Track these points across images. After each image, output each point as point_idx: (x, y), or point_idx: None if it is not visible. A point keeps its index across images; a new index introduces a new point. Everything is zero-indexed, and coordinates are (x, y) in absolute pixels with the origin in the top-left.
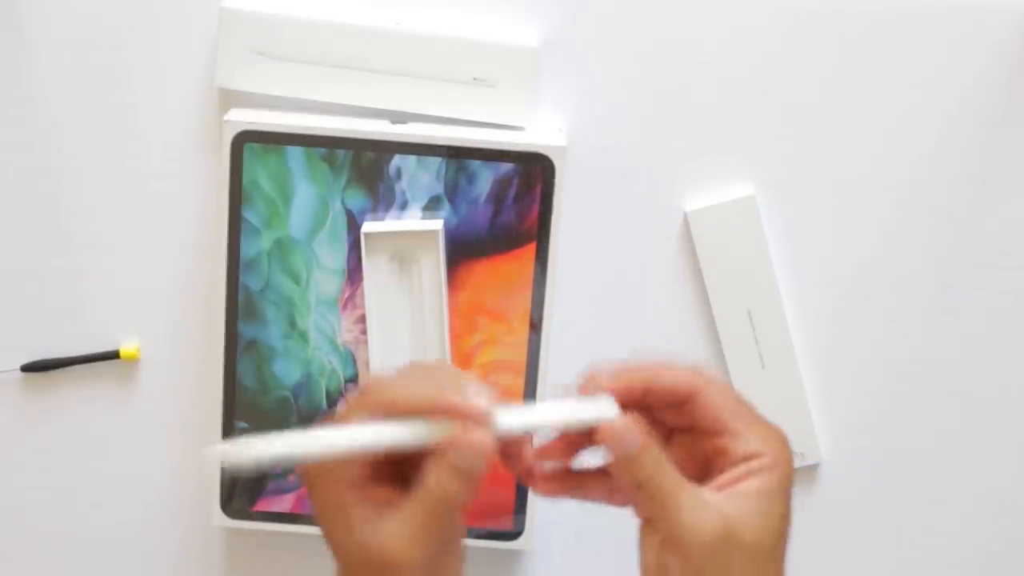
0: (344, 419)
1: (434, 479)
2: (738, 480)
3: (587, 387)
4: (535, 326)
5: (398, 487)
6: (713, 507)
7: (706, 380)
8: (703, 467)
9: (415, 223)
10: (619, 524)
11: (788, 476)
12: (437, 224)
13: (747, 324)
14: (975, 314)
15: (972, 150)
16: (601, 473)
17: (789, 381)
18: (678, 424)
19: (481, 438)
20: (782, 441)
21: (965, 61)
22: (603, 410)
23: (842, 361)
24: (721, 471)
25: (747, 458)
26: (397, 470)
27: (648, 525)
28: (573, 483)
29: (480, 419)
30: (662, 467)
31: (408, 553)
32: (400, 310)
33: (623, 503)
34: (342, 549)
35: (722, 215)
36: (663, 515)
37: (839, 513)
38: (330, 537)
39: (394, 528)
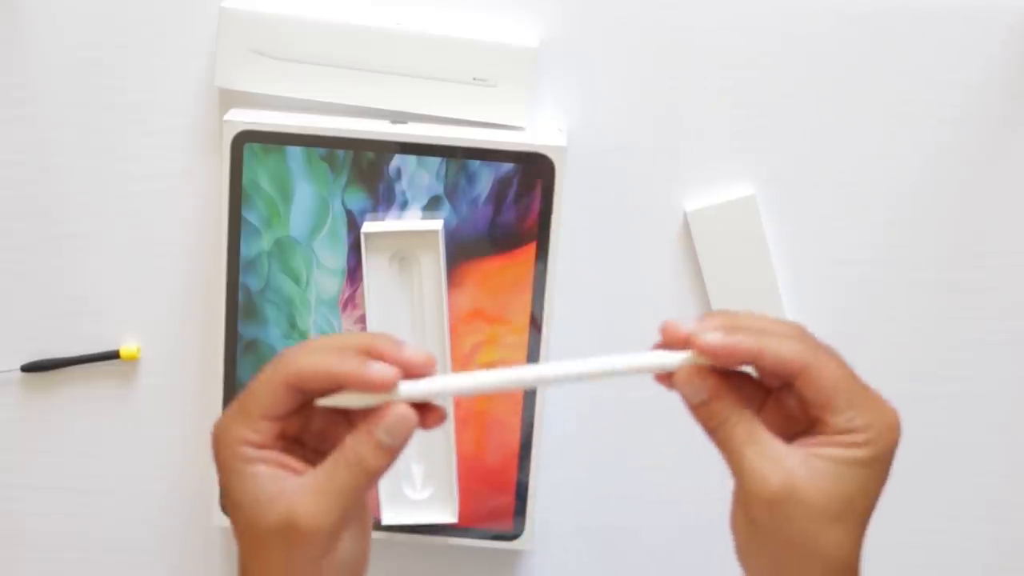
0: (255, 389)
1: (353, 448)
2: (822, 445)
3: (674, 335)
4: (535, 326)
5: (299, 457)
6: (782, 463)
7: (815, 356)
8: (799, 426)
9: (415, 223)
10: (619, 524)
11: (881, 454)
12: (437, 224)
13: None
14: (975, 314)
15: (973, 150)
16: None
17: None
18: (779, 385)
19: (405, 413)
20: (887, 422)
21: (966, 61)
22: (671, 358)
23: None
24: (813, 436)
25: (843, 432)
26: (298, 442)
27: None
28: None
29: (378, 388)
30: (735, 416)
31: (317, 519)
32: (400, 310)
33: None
34: (246, 514)
35: (722, 215)
36: (731, 463)
37: None
38: (235, 501)
39: (304, 493)
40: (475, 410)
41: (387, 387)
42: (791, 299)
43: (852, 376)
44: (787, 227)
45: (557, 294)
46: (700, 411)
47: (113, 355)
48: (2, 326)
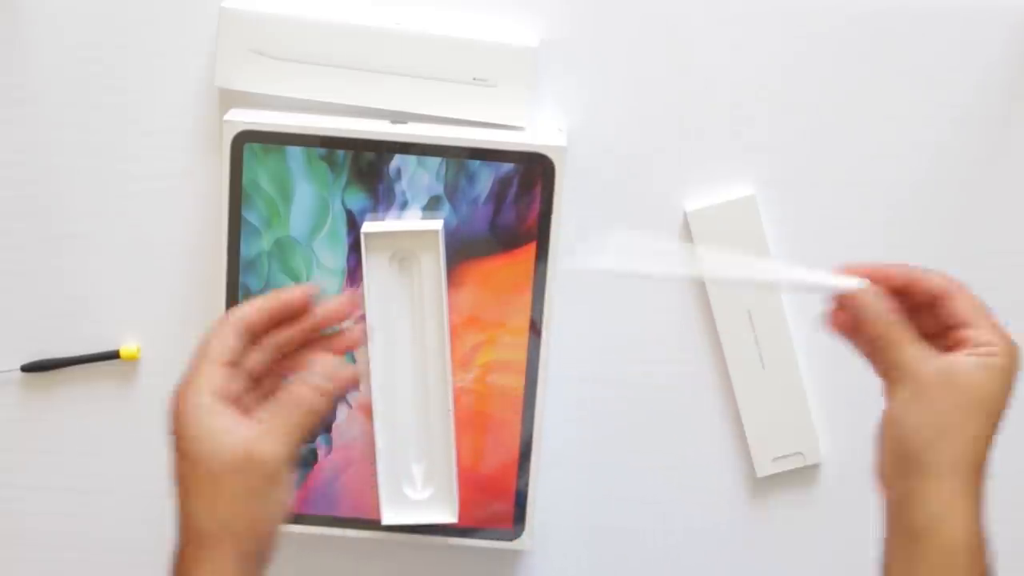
0: (209, 340)
1: (298, 391)
2: (968, 354)
3: (849, 271)
4: (535, 326)
5: (252, 399)
6: (939, 357)
7: (958, 286)
8: (937, 347)
9: (415, 223)
10: (618, 525)
11: (1011, 366)
12: (437, 224)
13: (747, 324)
14: None
15: (973, 150)
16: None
17: (789, 381)
18: (924, 318)
19: (345, 367)
20: (1013, 344)
21: (967, 61)
22: (851, 282)
23: (842, 361)
24: (955, 349)
25: (983, 344)
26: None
27: (888, 387)
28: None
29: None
30: (897, 326)
31: (271, 452)
32: (400, 310)
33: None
34: (206, 447)
35: (722, 215)
36: (896, 359)
37: (839, 513)
38: (195, 436)
39: (260, 429)
40: (475, 411)
41: (303, 303)
42: (791, 299)
43: (985, 307)
44: (787, 227)
45: (557, 294)
46: (871, 324)
47: (113, 355)
48: (2, 326)
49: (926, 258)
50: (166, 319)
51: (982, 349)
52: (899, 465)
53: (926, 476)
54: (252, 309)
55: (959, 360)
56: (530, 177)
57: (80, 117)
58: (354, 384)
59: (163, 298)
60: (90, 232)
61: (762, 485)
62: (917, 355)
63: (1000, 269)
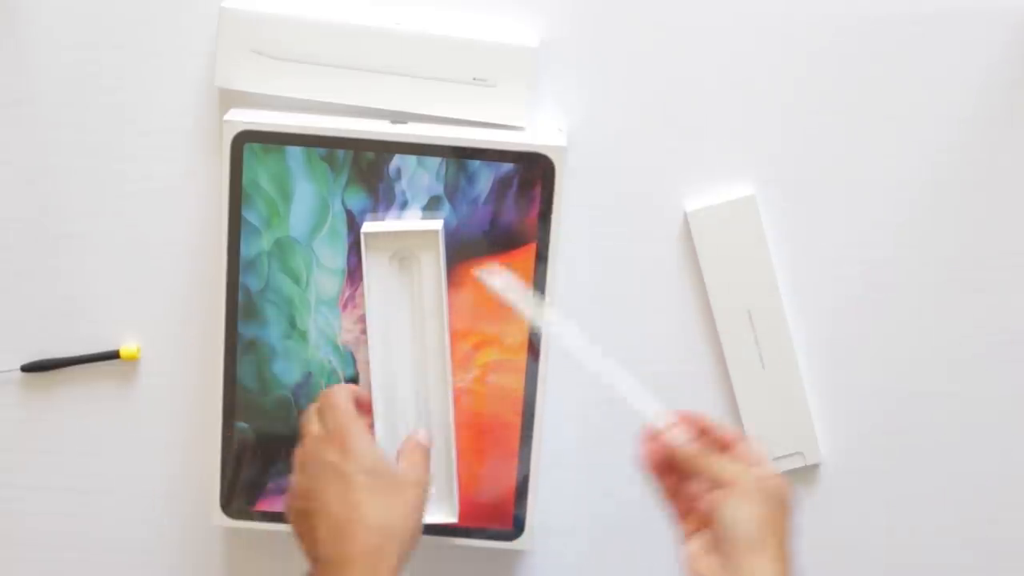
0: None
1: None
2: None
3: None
4: (535, 325)
5: None
6: (749, 468)
7: (743, 435)
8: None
9: (415, 223)
10: (618, 525)
11: (788, 492)
12: (437, 224)
13: (747, 324)
14: (976, 314)
15: (974, 150)
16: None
17: (789, 381)
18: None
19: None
20: (784, 478)
21: (968, 61)
22: (664, 417)
23: (842, 361)
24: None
25: (767, 477)
26: None
27: (693, 531)
28: (666, 470)
29: None
30: (708, 450)
31: (419, 475)
32: (400, 310)
33: (681, 509)
34: (365, 458)
35: (722, 215)
36: (716, 472)
37: (839, 513)
38: (353, 448)
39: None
40: (475, 411)
41: None
42: (791, 299)
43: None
44: (787, 227)
45: (557, 294)
46: (686, 451)
47: (113, 355)
48: (2, 326)
49: (927, 258)
50: (166, 319)
51: (769, 476)
52: (731, 549)
53: (755, 552)
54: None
55: (763, 471)
56: (530, 177)
57: (80, 117)
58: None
59: (163, 298)
60: (90, 232)
61: None
62: (731, 467)
63: (1001, 269)
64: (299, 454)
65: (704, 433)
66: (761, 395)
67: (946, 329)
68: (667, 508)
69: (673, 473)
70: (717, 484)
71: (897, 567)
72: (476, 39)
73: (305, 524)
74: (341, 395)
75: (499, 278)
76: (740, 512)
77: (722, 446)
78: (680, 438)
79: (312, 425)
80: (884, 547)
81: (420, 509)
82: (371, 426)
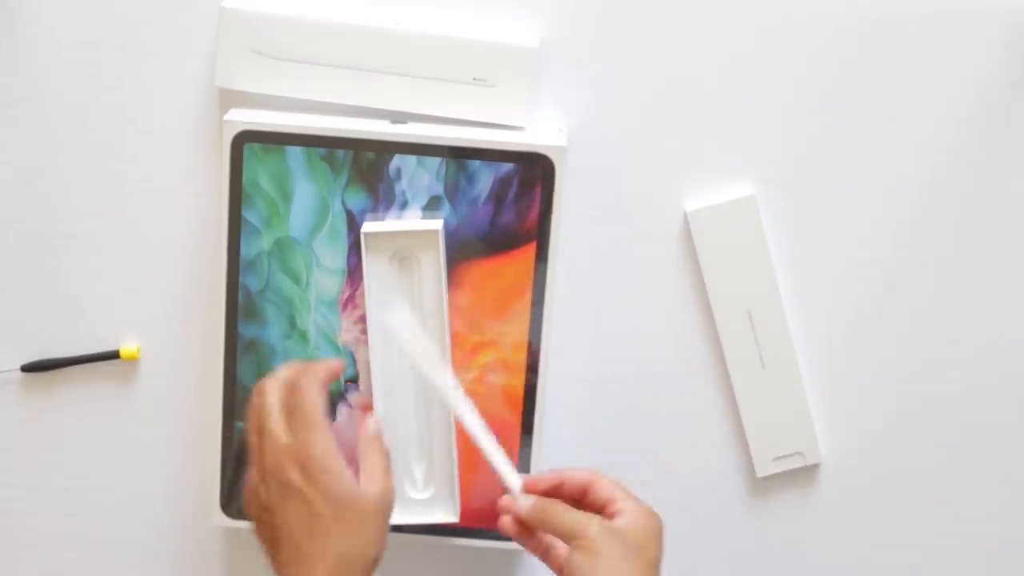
0: (309, 399)
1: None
2: (614, 519)
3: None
4: (535, 326)
5: None
6: (600, 519)
7: (597, 474)
8: None
9: (415, 223)
10: None
11: (654, 524)
12: (437, 224)
13: (747, 324)
14: (975, 314)
15: (974, 150)
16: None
17: (789, 381)
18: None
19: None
20: (650, 509)
21: (967, 61)
22: (513, 479)
23: (842, 361)
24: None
25: (623, 511)
26: None
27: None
28: (526, 535)
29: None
30: (554, 505)
31: (381, 493)
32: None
33: (555, 566)
34: (330, 483)
35: (722, 215)
36: (562, 528)
37: (839, 513)
38: (317, 469)
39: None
40: (476, 410)
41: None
42: (791, 299)
43: (621, 484)
44: (787, 227)
45: (557, 294)
46: (532, 510)
47: (113, 355)
48: (2, 326)
49: (927, 258)
50: (166, 319)
51: (625, 513)
52: None
53: None
54: (327, 373)
55: (617, 521)
56: (530, 177)
57: (80, 117)
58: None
59: (163, 298)
60: (90, 232)
61: (762, 485)
62: (577, 519)
63: (1001, 269)
64: (260, 457)
65: (556, 488)
66: (761, 395)
67: (946, 329)
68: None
69: (534, 534)
70: (567, 539)
71: (897, 567)
72: (476, 39)
73: (266, 538)
74: (311, 393)
75: (397, 315)
76: (584, 570)
77: (575, 495)
78: (525, 503)
79: (275, 423)
80: (884, 547)
81: (383, 534)
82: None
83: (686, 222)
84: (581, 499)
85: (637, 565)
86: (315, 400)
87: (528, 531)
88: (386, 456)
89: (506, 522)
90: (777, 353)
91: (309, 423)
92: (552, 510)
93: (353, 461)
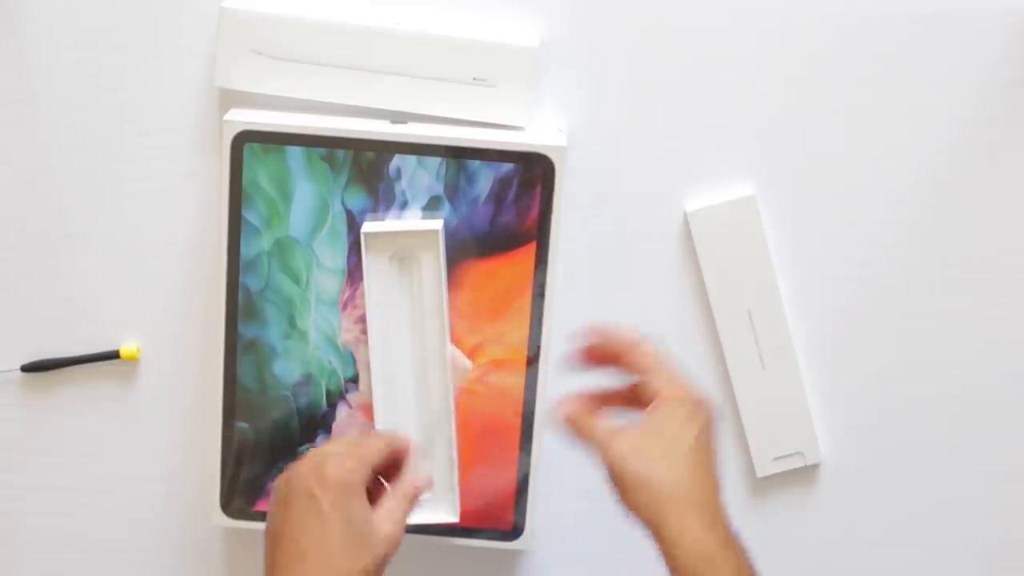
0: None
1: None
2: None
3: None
4: (535, 326)
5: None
6: (619, 433)
7: (636, 339)
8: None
9: (415, 223)
10: (619, 525)
11: (684, 410)
12: (437, 224)
13: (747, 324)
14: (976, 314)
15: (974, 150)
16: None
17: (789, 381)
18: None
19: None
20: (688, 390)
21: (967, 61)
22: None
23: (842, 361)
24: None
25: (651, 397)
26: None
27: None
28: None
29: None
30: (584, 419)
31: (392, 539)
32: (400, 310)
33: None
34: (352, 516)
35: (722, 215)
36: (589, 442)
37: (839, 513)
38: (353, 509)
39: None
40: (475, 411)
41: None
42: (791, 299)
43: (660, 355)
44: (787, 227)
45: (557, 294)
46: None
47: (113, 355)
48: (2, 326)
49: (927, 258)
50: (166, 319)
51: (654, 403)
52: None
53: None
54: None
55: (645, 417)
56: (530, 177)
57: (80, 117)
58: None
59: (163, 298)
60: (90, 232)
61: (762, 485)
62: (604, 433)
63: (1000, 269)
64: (304, 459)
65: (600, 356)
66: (761, 395)
67: (946, 329)
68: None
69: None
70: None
71: (897, 567)
72: (476, 39)
73: (272, 532)
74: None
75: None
76: (622, 473)
77: (613, 357)
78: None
79: (331, 445)
80: (884, 547)
81: (377, 573)
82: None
83: (686, 222)
84: (619, 360)
85: (671, 460)
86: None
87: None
88: (410, 511)
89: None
90: (777, 353)
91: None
92: (579, 423)
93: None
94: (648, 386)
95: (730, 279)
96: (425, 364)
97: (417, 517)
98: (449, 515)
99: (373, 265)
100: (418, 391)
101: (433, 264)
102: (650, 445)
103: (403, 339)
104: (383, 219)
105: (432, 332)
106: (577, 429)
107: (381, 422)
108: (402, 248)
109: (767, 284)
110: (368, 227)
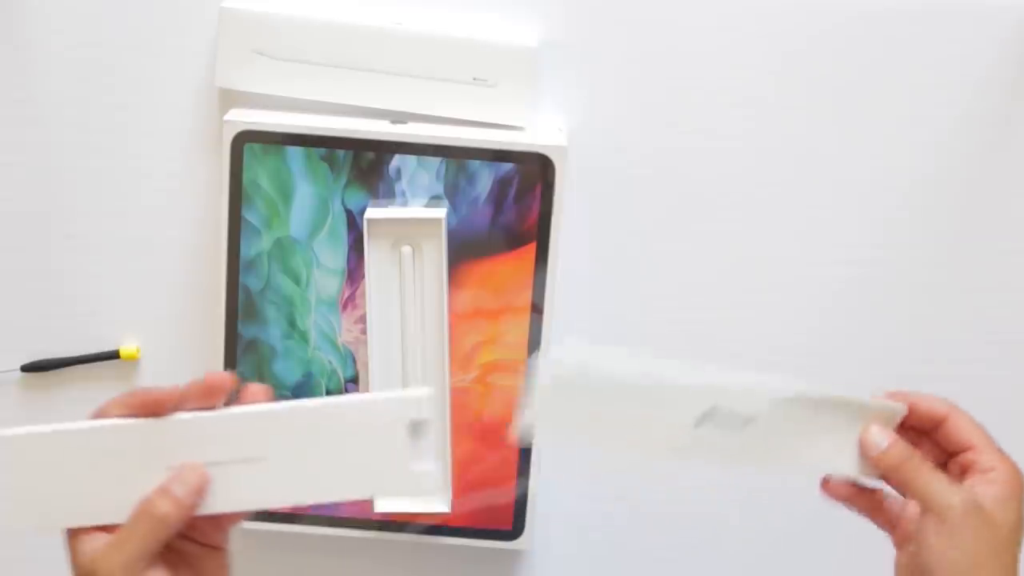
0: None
1: (148, 499)
2: (977, 484)
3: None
4: (535, 326)
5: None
6: (964, 488)
7: (955, 408)
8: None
9: (419, 211)
10: (619, 525)
11: (1018, 490)
12: (440, 213)
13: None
14: (975, 314)
15: (973, 150)
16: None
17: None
18: (929, 447)
19: (199, 475)
20: (1014, 465)
21: (967, 61)
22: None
23: (842, 361)
24: (965, 478)
25: (987, 470)
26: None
27: (902, 542)
28: (856, 495)
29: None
30: (914, 459)
31: (117, 560)
32: (400, 298)
33: (887, 523)
34: (74, 565)
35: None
36: (917, 492)
37: (837, 512)
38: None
39: (105, 545)
40: (475, 411)
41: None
42: (791, 299)
43: (981, 426)
44: (786, 227)
45: (557, 294)
46: (882, 460)
47: (113, 355)
48: (2, 326)
49: (926, 258)
50: (166, 319)
51: (990, 475)
52: None
53: None
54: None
55: (984, 493)
56: (530, 177)
57: (80, 117)
58: (202, 491)
59: (163, 298)
60: (90, 232)
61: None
62: (946, 487)
63: (999, 269)
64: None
65: (923, 431)
66: None
67: (946, 329)
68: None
69: (865, 494)
70: (925, 507)
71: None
72: (476, 39)
73: None
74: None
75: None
76: (949, 552)
77: (923, 427)
78: (882, 440)
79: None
80: (884, 547)
81: None
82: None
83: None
84: (931, 432)
85: (1004, 554)
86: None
87: (854, 491)
88: (155, 526)
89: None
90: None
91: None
92: (912, 463)
93: None
94: (963, 438)
95: None
96: (423, 351)
97: (409, 506)
98: (441, 505)
99: (375, 252)
100: (415, 380)
101: (435, 253)
102: (982, 530)
103: (403, 327)
104: (386, 207)
105: (431, 319)
106: (904, 463)
107: None
108: (404, 236)
109: None
110: (371, 213)
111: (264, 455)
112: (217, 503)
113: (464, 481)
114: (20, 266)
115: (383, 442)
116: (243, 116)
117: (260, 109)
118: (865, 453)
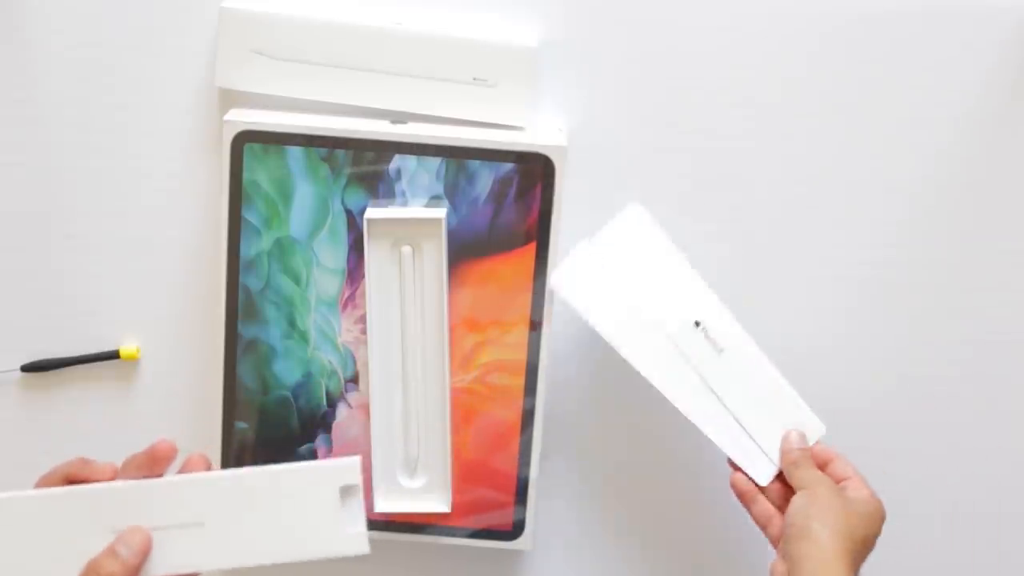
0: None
1: (95, 560)
2: (848, 489)
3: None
4: (535, 326)
5: None
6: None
7: (841, 455)
8: None
9: (419, 211)
10: (619, 525)
11: (878, 513)
12: (440, 213)
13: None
14: (975, 314)
15: (974, 150)
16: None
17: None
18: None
19: (144, 537)
20: (877, 499)
21: (967, 61)
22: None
23: (842, 361)
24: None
25: (859, 489)
26: None
27: (775, 541)
28: (752, 490)
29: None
30: (808, 459)
31: None
32: (400, 297)
33: (761, 516)
34: None
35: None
36: (804, 479)
37: None
38: None
39: None
40: (475, 410)
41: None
42: (791, 299)
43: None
44: (788, 227)
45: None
46: (794, 451)
47: (113, 355)
48: (2, 326)
49: (926, 257)
50: (166, 319)
51: (862, 493)
52: (792, 539)
53: (809, 541)
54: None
55: (852, 493)
56: (530, 177)
57: (80, 117)
58: (146, 552)
59: (163, 298)
60: (90, 232)
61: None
62: (821, 476)
63: (1000, 269)
64: None
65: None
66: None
67: (946, 329)
68: (763, 532)
69: (757, 500)
70: (800, 488)
71: (897, 567)
72: (476, 39)
73: None
74: None
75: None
76: (800, 507)
77: (818, 464)
78: (797, 441)
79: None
80: (884, 547)
81: None
82: None
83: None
84: (821, 468)
85: (846, 528)
86: None
87: (751, 496)
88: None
89: (740, 479)
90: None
91: None
92: (806, 460)
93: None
94: (842, 470)
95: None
96: (423, 352)
97: (409, 506)
98: (442, 505)
99: (374, 251)
100: (415, 380)
101: (435, 252)
102: (838, 508)
103: (402, 326)
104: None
105: (432, 320)
106: (798, 458)
107: (377, 410)
108: (404, 236)
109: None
110: (371, 213)
111: (203, 520)
112: (159, 566)
113: (465, 481)
114: (20, 266)
115: (316, 507)
116: (243, 116)
117: (260, 109)
118: (783, 445)
